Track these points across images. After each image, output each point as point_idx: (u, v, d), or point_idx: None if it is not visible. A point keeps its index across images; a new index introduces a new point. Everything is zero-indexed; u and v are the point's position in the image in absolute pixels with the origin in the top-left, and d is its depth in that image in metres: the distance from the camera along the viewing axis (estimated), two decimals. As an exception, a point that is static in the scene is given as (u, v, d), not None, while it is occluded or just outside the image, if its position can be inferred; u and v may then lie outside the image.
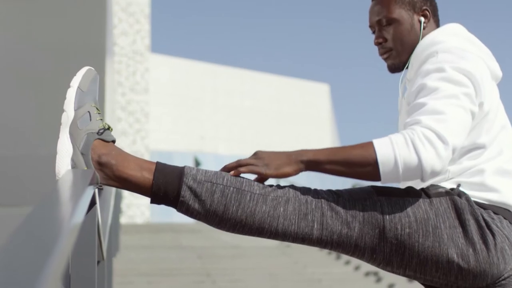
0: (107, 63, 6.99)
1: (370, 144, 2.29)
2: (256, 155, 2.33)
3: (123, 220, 18.27)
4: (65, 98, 2.28)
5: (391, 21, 2.63)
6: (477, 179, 2.41)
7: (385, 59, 2.67)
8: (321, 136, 37.06)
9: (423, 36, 2.63)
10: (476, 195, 2.40)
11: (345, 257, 10.55)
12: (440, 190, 2.36)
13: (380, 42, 2.65)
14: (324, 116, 37.44)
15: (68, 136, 2.26)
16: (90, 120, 2.28)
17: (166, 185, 2.27)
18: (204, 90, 31.61)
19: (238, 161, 2.34)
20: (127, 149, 21.47)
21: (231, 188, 2.28)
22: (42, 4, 6.30)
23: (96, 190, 2.22)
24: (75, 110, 2.27)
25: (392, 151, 2.26)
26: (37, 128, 6.44)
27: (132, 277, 8.46)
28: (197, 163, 29.24)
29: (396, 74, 2.70)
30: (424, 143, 2.25)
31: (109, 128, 2.31)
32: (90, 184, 2.02)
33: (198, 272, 9.23)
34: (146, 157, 23.69)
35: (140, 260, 10.00)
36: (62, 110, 2.30)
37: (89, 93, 2.31)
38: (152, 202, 2.31)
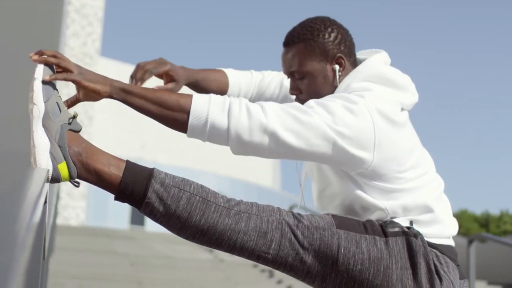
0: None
1: (190, 95, 2.34)
2: (79, 68, 2.31)
3: (58, 221, 18.09)
4: (30, 91, 2.21)
5: (304, 74, 2.59)
6: (424, 209, 2.48)
7: None
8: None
9: (340, 82, 2.58)
10: (426, 231, 2.46)
11: (277, 276, 10.59)
12: (397, 229, 2.39)
13: (296, 94, 2.64)
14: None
15: (43, 129, 2.20)
16: (60, 111, 2.23)
17: (134, 185, 2.25)
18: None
19: (60, 59, 2.28)
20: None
21: (197, 197, 2.27)
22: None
23: (47, 187, 2.20)
24: (44, 102, 2.20)
25: (207, 107, 2.31)
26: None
27: (63, 279, 8.39)
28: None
29: None
30: (242, 110, 2.31)
31: (74, 116, 2.27)
32: (46, 182, 2.02)
33: (130, 279, 9.18)
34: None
35: (73, 262, 9.93)
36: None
37: (53, 83, 2.26)
38: (116, 199, 2.29)
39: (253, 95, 2.93)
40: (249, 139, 2.31)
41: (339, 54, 2.58)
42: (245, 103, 2.33)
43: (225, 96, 2.36)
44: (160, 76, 2.81)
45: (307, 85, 2.59)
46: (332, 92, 2.57)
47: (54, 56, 2.27)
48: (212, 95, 2.34)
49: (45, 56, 2.26)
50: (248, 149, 2.35)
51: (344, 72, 2.59)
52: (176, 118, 2.32)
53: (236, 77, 2.90)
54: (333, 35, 2.59)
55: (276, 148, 2.34)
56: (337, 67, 2.58)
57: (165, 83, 2.76)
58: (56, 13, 6.44)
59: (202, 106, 2.31)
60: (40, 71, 2.23)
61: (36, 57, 2.24)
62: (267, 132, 2.32)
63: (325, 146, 2.35)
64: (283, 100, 2.92)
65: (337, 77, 2.57)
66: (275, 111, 2.33)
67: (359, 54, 2.72)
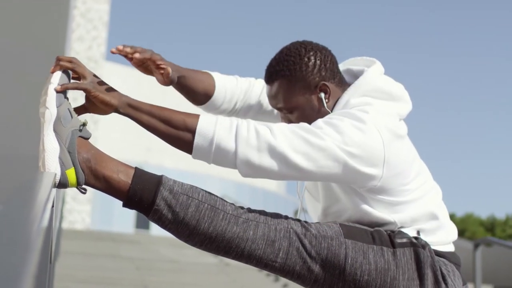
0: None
1: (197, 115, 2.31)
2: (93, 76, 2.31)
3: (64, 225, 18.11)
4: (43, 95, 2.21)
5: (291, 109, 2.54)
6: (430, 217, 2.49)
7: None
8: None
9: (330, 106, 2.54)
10: (432, 239, 2.47)
11: (283, 280, 10.58)
12: (405, 240, 2.39)
13: None
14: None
15: (54, 134, 2.20)
16: (71, 117, 2.24)
17: (143, 192, 2.25)
18: (154, 102, 31.52)
19: (76, 64, 2.30)
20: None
21: (206, 205, 2.27)
22: (4, 3, 6.27)
23: (55, 191, 2.19)
24: (57, 107, 2.20)
25: (213, 127, 2.28)
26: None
27: (69, 283, 8.39)
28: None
29: None
30: (250, 132, 2.28)
31: (84, 124, 2.28)
32: (54, 187, 2.02)
33: (135, 283, 9.18)
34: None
35: (78, 266, 9.93)
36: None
37: (65, 92, 2.26)
38: (124, 205, 2.28)
39: (238, 101, 2.86)
40: (258, 162, 2.28)
41: (321, 82, 2.52)
42: (253, 125, 2.30)
43: (232, 118, 2.35)
44: (145, 63, 2.65)
45: (297, 117, 2.54)
46: (322, 117, 2.51)
47: (70, 62, 2.28)
48: (219, 116, 2.32)
49: (62, 62, 2.27)
50: (257, 172, 2.31)
51: (332, 96, 2.54)
52: (181, 137, 2.31)
53: (222, 81, 2.83)
54: (311, 63, 2.52)
55: (286, 170, 2.30)
56: (322, 94, 2.52)
57: (161, 70, 2.64)
58: (62, 17, 6.46)
59: (208, 126, 2.28)
60: (57, 77, 2.25)
61: (52, 67, 2.27)
62: (276, 154, 2.28)
63: (335, 167, 2.32)
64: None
65: (324, 104, 2.52)
66: (284, 132, 2.30)
67: (350, 64, 2.69)
